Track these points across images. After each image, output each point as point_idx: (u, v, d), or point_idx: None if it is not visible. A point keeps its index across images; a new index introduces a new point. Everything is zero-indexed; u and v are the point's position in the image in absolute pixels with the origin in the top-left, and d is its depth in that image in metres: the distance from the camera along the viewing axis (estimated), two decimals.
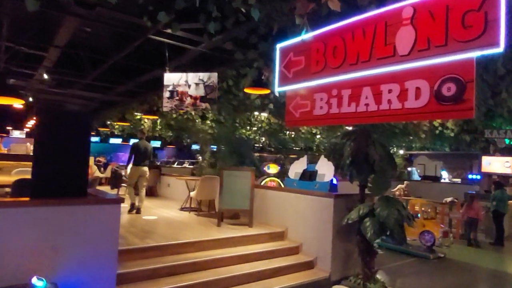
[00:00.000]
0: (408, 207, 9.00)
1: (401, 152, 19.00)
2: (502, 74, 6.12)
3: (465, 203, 10.21)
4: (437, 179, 16.58)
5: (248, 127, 17.41)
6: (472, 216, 9.61)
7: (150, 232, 5.80)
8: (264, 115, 14.59)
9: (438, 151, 19.15)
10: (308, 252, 5.93)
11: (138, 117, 15.35)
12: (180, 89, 6.51)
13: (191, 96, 6.41)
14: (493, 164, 13.25)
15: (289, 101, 4.13)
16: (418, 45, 2.89)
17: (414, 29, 2.94)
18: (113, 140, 28.19)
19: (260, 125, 16.37)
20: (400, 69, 3.03)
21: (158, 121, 15.80)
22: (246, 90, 5.95)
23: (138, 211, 7.49)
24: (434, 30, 2.83)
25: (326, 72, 3.54)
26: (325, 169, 6.18)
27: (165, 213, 7.81)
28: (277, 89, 4.17)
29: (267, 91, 5.54)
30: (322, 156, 6.51)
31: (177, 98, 6.47)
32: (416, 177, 19.07)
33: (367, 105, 3.27)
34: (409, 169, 22.47)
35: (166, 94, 6.54)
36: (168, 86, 6.56)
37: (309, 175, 6.44)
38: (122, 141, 27.33)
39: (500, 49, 2.50)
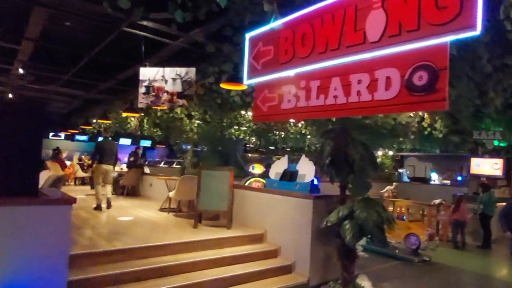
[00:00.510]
0: (396, 209, 8.83)
1: (391, 153, 18.88)
2: (489, 72, 5.94)
3: (453, 205, 10.06)
4: (426, 180, 16.46)
5: (236, 127, 17.17)
6: (459, 219, 9.46)
7: (121, 234, 5.51)
8: (251, 114, 14.35)
9: (428, 152, 19.07)
10: (286, 255, 5.69)
11: (124, 115, 15.03)
12: (156, 84, 6.24)
13: (167, 92, 6.15)
14: (482, 165, 13.15)
15: (257, 95, 3.88)
16: (389, 31, 2.66)
17: (385, 13, 2.71)
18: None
19: (248, 125, 16.12)
20: (370, 57, 2.80)
21: (145, 120, 15.47)
22: (222, 86, 5.69)
23: (109, 206, 7.45)
24: (406, 13, 2.59)
25: (294, 62, 3.30)
26: (306, 169, 5.95)
27: (143, 213, 7.52)
28: (246, 82, 3.93)
29: (243, 87, 5.29)
30: (303, 156, 6.27)
31: (153, 93, 6.19)
32: (405, 178, 18.96)
33: (335, 97, 3.03)
34: (400, 170, 22.39)
35: (142, 90, 6.27)
36: (144, 81, 6.29)
37: (289, 176, 6.20)
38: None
39: (477, 32, 2.27)
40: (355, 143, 5.13)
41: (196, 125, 14.35)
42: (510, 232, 5.46)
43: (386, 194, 13.91)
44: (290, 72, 3.39)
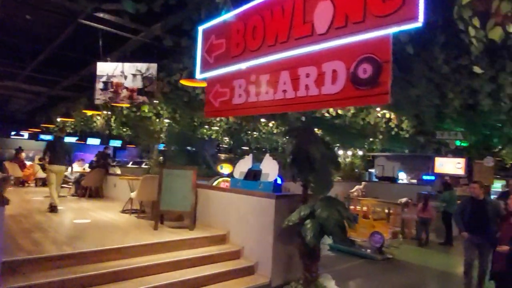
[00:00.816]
0: (362, 208, 8.92)
1: (361, 153, 19.23)
2: (446, 73, 6.08)
3: (418, 203, 10.31)
4: (394, 180, 16.88)
5: (207, 126, 16.93)
6: (425, 216, 9.70)
7: (75, 238, 5.20)
8: None
9: (397, 152, 19.56)
10: (249, 256, 5.58)
11: (89, 113, 14.47)
12: (115, 80, 5.96)
13: (127, 88, 5.89)
14: (446, 165, 13.60)
15: (209, 90, 3.75)
16: (336, 23, 2.60)
17: (332, 4, 2.65)
18: (68, 139, 26.64)
19: (219, 124, 15.93)
20: (318, 50, 2.74)
21: (112, 119, 14.95)
22: (183, 82, 5.51)
23: (54, 209, 7.03)
24: (352, 4, 2.55)
25: (245, 55, 3.20)
26: (270, 168, 5.86)
27: (102, 215, 7.19)
28: (199, 76, 3.78)
29: (204, 84, 5.13)
30: (267, 155, 6.19)
31: (112, 90, 5.92)
32: (374, 178, 19.37)
33: (284, 91, 2.95)
34: (371, 170, 22.85)
35: (100, 86, 5.97)
36: (101, 76, 5.99)
37: (253, 175, 6.10)
38: (78, 140, 25.88)
39: (419, 23, 2.25)
40: (318, 142, 5.10)
41: (165, 124, 14.02)
42: (465, 232, 5.55)
43: (355, 193, 14.10)
44: (241, 66, 3.29)
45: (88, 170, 11.07)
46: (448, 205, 9.81)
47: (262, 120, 16.30)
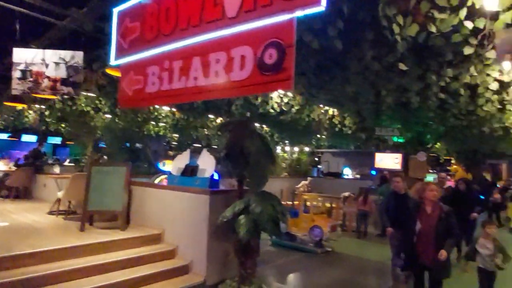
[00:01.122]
0: (304, 202, 9.08)
1: (307, 149, 19.71)
2: (379, 71, 6.30)
3: (359, 197, 10.70)
4: (338, 175, 17.49)
5: (153, 122, 16.31)
6: (365, 209, 10.08)
7: None
8: (166, 108, 13.71)
9: (342, 149, 20.29)
10: (184, 255, 5.38)
11: (19, 107, 13.26)
12: (34, 68, 5.41)
13: (49, 78, 5.37)
14: (385, 160, 14.32)
15: (123, 77, 3.50)
16: (245, 5, 2.52)
17: None
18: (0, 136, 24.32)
19: (165, 120, 15.42)
20: (228, 35, 2.64)
21: (47, 113, 13.81)
22: (108, 71, 5.15)
23: None
24: None
25: (159, 40, 3.02)
26: (207, 164, 5.69)
27: (26, 218, 6.57)
28: (113, 63, 3.52)
29: None
30: (204, 150, 6.02)
31: (31, 79, 5.36)
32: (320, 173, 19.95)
33: (196, 78, 2.82)
34: (319, 166, 23.51)
35: (17, 74, 5.38)
36: (19, 64, 5.41)
37: (190, 171, 5.89)
38: (10, 137, 23.73)
39: (321, 8, 2.22)
40: (253, 136, 5.03)
41: (105, 119, 13.24)
42: (390, 228, 5.47)
43: (301, 189, 14.35)
44: (155, 51, 3.09)
45: (14, 168, 10.12)
46: (384, 198, 10.27)
47: (210, 116, 16.07)
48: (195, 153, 6.51)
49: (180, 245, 5.47)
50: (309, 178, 14.91)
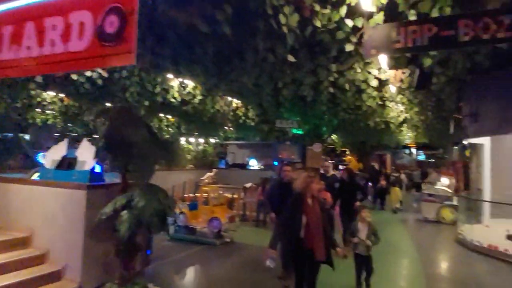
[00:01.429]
0: (203, 194, 8.88)
1: (213, 141, 19.63)
2: (274, 63, 6.36)
3: (259, 187, 10.94)
4: (243, 166, 17.78)
5: (39, 109, 14.30)
6: (263, 199, 10.32)
7: None
8: (51, 93, 12.09)
9: (248, 141, 20.67)
10: (56, 260, 4.70)
11: None
12: None
13: None
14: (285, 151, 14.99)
15: None
16: None
17: None
18: None
19: (52, 107, 13.62)
20: None
21: None
22: None
23: None
24: None
25: None
26: (87, 156, 5.06)
27: None
28: None
29: None
30: (85, 140, 5.34)
31: None
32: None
33: (29, 48, 2.36)
34: (228, 158, 23.62)
35: None
36: None
37: (67, 164, 5.18)
38: None
39: None
40: (138, 125, 4.60)
41: None
42: (273, 214, 5.54)
43: (206, 181, 14.13)
44: None
45: None
46: (270, 186, 10.68)
47: (108, 104, 14.71)
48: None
49: (52, 248, 4.77)
50: (214, 170, 14.78)
